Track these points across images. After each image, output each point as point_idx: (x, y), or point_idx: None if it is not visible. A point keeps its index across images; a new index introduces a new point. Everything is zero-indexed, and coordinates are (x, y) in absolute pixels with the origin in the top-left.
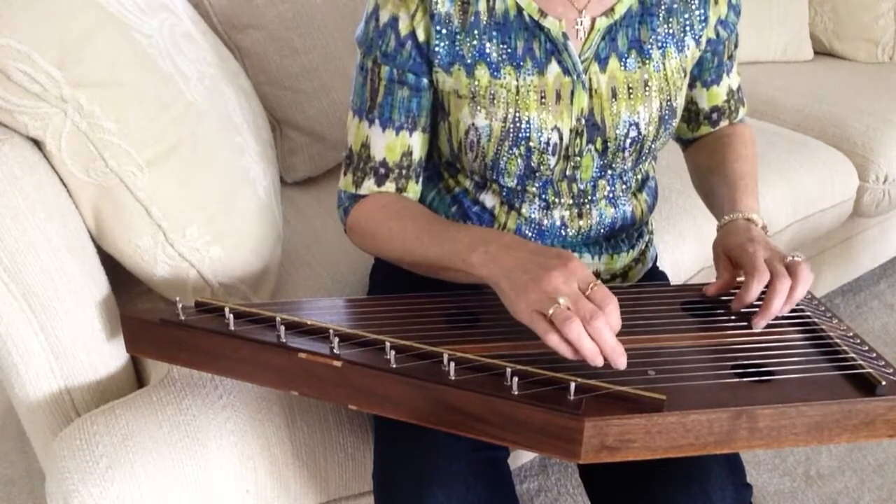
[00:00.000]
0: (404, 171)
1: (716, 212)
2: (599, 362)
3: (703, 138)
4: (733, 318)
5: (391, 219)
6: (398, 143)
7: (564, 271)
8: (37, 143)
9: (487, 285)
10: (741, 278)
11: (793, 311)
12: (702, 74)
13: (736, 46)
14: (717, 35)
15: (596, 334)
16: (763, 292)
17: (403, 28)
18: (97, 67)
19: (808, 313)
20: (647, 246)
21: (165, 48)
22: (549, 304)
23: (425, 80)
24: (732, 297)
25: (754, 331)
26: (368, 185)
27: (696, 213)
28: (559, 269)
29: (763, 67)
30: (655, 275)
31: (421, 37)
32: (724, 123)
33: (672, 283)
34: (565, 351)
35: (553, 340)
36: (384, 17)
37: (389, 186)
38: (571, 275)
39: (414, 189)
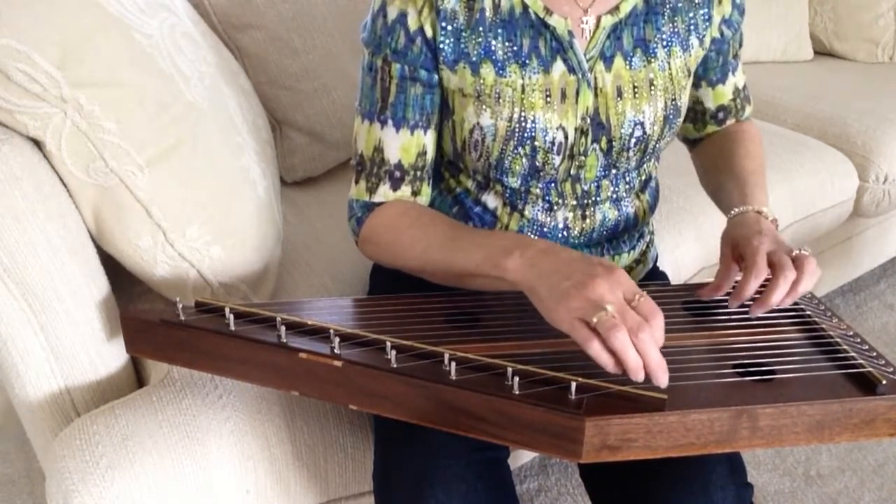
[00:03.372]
0: (419, 173)
1: (724, 208)
2: (641, 377)
3: (709, 137)
4: (734, 317)
5: (411, 226)
6: (413, 143)
7: (610, 279)
8: (37, 143)
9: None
10: (738, 277)
11: (793, 310)
12: (707, 74)
13: (741, 45)
14: (722, 34)
15: (641, 346)
16: (763, 286)
17: (412, 24)
18: (97, 67)
19: (809, 312)
20: (647, 246)
21: (165, 48)
22: (594, 312)
23: (436, 77)
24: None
25: (751, 321)
26: (384, 191)
27: (696, 213)
28: (605, 276)
29: (763, 67)
30: (656, 275)
31: (429, 33)
32: (730, 122)
33: (672, 283)
34: (606, 361)
35: (594, 349)
36: (392, 13)
37: (405, 190)
38: (617, 284)
39: (426, 192)
